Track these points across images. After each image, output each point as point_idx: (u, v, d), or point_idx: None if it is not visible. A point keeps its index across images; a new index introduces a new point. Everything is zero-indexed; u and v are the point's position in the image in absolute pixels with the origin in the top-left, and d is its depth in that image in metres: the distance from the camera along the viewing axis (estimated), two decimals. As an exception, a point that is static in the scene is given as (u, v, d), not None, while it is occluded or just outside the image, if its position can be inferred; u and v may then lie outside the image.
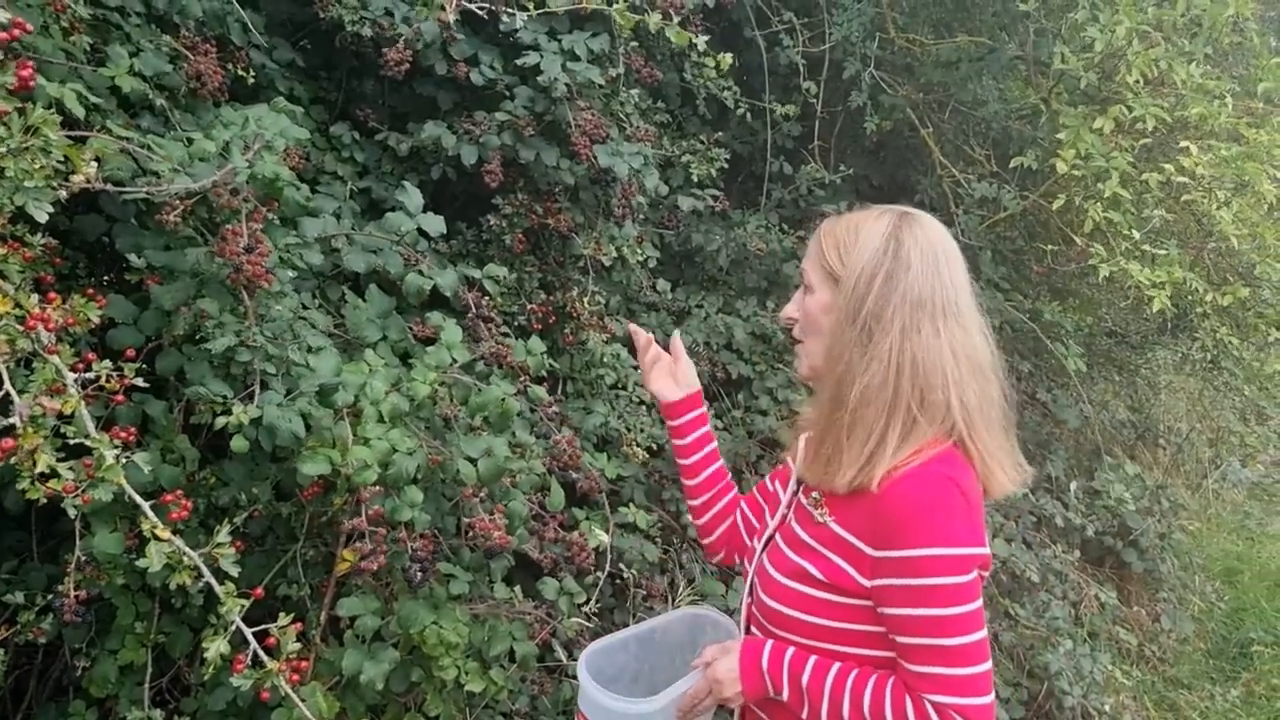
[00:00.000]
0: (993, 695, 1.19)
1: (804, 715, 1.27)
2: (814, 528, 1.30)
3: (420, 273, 2.08)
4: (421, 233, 2.16)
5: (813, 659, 1.27)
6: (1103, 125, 3.06)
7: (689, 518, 2.97)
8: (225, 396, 1.72)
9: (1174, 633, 3.96)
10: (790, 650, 1.28)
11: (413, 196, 2.13)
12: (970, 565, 1.17)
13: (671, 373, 1.62)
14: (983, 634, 1.19)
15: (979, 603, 1.19)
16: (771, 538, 1.40)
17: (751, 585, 1.40)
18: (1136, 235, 3.10)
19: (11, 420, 1.30)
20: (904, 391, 1.21)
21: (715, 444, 1.63)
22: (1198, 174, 3.08)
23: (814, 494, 1.32)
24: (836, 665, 1.25)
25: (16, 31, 1.44)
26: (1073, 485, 3.91)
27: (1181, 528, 4.43)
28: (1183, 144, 3.13)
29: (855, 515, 1.24)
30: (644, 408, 2.92)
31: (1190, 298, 3.30)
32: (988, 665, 1.18)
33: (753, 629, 1.41)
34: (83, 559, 1.62)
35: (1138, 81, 2.98)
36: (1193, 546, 4.75)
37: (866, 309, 1.23)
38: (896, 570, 1.18)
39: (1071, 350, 3.71)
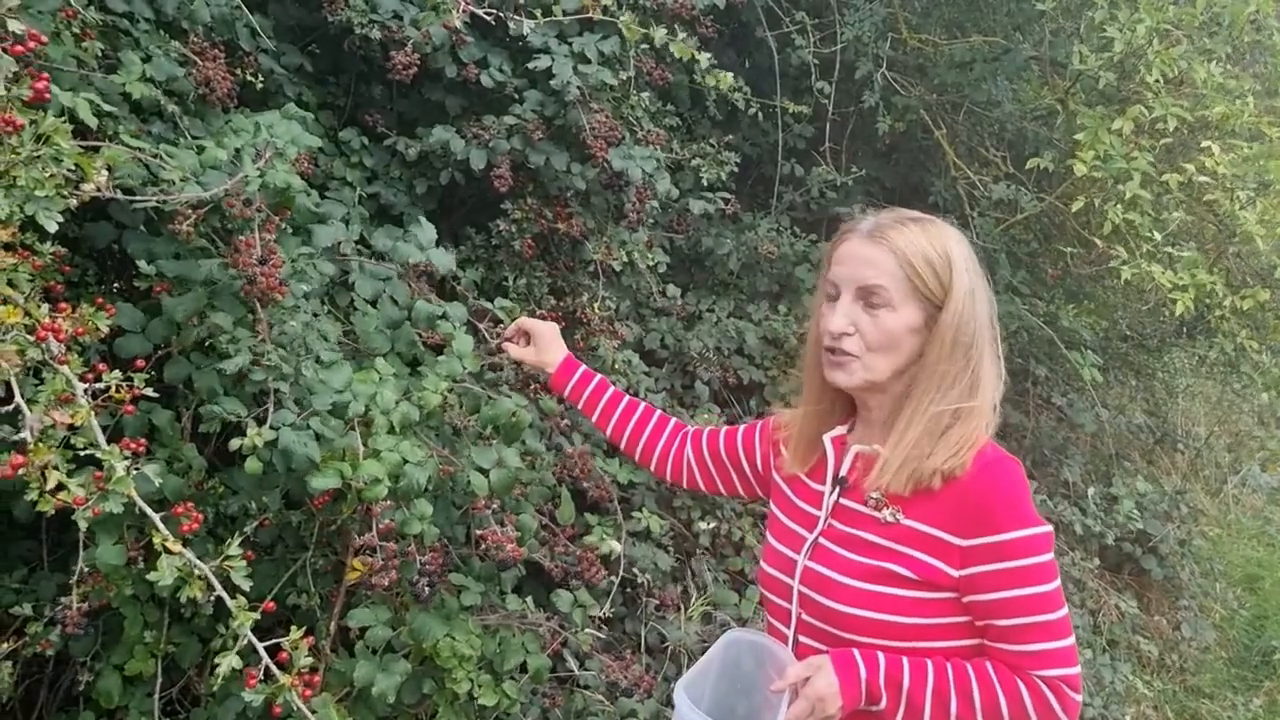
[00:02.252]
0: (1080, 664, 1.26)
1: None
2: (883, 528, 1.29)
3: (428, 300, 2.07)
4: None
5: (905, 660, 1.25)
6: (1122, 126, 3.02)
7: (701, 525, 2.96)
8: (239, 415, 1.70)
9: (1195, 641, 3.91)
10: (881, 655, 1.26)
11: (425, 231, 2.11)
12: (1050, 542, 1.23)
13: (536, 348, 1.80)
14: (1067, 608, 1.24)
15: (1060, 578, 1.25)
16: (814, 544, 1.36)
17: (800, 597, 1.36)
18: (1158, 237, 3.06)
19: (22, 434, 1.29)
20: (992, 400, 1.29)
21: (610, 389, 1.75)
22: (1219, 174, 3.03)
23: (873, 495, 1.30)
24: (930, 662, 1.25)
25: (32, 44, 1.42)
26: (1090, 491, 3.86)
27: (1201, 534, 4.38)
28: (1204, 144, 3.08)
29: (932, 509, 1.25)
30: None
31: (1209, 300, 3.26)
32: (1074, 636, 1.25)
33: (803, 640, 1.37)
34: (86, 570, 1.61)
35: (1158, 81, 2.94)
36: (1213, 553, 4.69)
37: (972, 330, 1.28)
38: (992, 555, 1.21)
39: (1087, 358, 3.67)
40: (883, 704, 1.25)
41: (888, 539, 1.28)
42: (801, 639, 1.37)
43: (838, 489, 1.38)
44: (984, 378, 1.29)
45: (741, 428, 1.64)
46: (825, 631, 1.33)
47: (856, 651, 1.27)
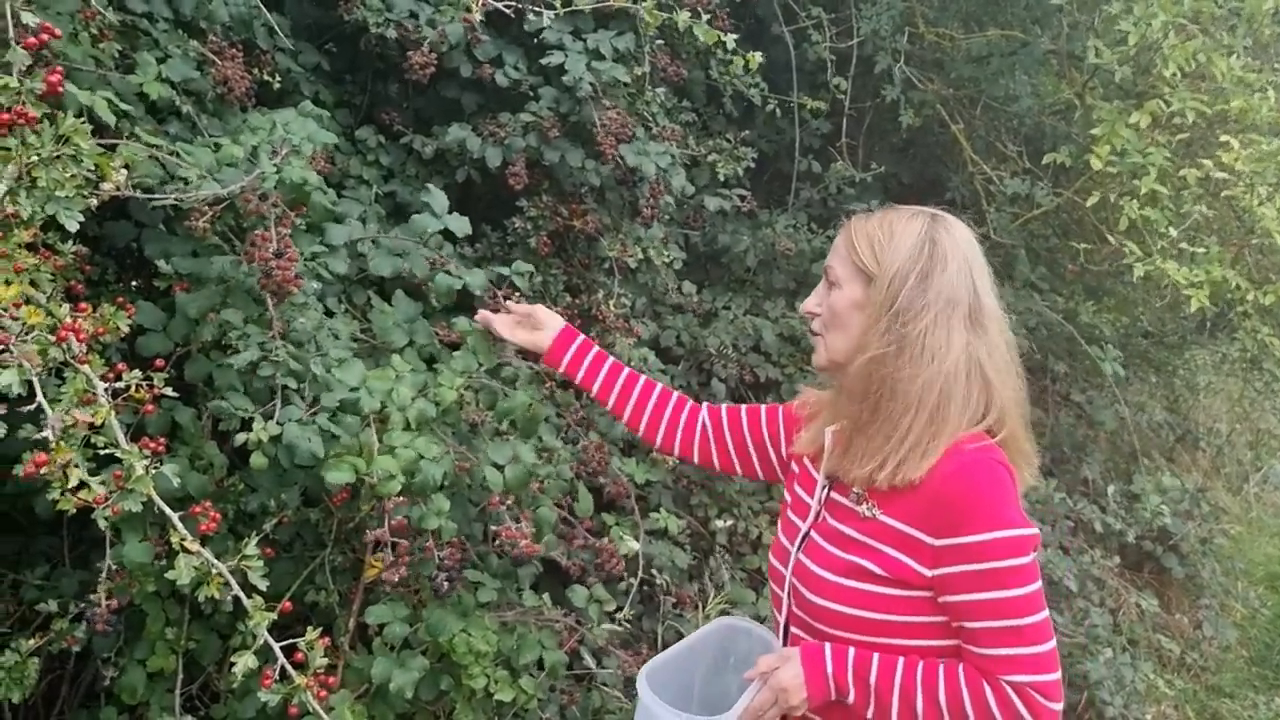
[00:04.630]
0: (1060, 671, 1.22)
1: (869, 715, 1.26)
2: (861, 523, 1.29)
3: (448, 273, 2.06)
4: (447, 236, 2.14)
5: (876, 656, 1.25)
6: (1139, 120, 2.99)
7: (718, 523, 2.95)
8: (247, 411, 1.71)
9: (1216, 640, 3.87)
10: (851, 650, 1.27)
11: (437, 198, 2.11)
12: (1030, 546, 1.20)
13: (526, 325, 1.71)
14: (1046, 612, 1.22)
15: (1040, 582, 1.22)
16: (806, 537, 1.38)
17: (790, 587, 1.38)
18: (1174, 233, 3.02)
19: (44, 434, 1.29)
20: (942, 389, 1.23)
21: (610, 360, 1.68)
22: (1238, 169, 3.00)
23: (855, 490, 1.31)
24: (901, 660, 1.25)
25: (45, 37, 1.43)
26: (1110, 489, 3.82)
27: (1223, 532, 4.33)
28: (1223, 138, 3.05)
29: (907, 506, 1.24)
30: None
31: (1231, 296, 3.22)
32: (1054, 642, 1.23)
33: (794, 630, 1.38)
34: (113, 567, 1.62)
35: (1175, 75, 2.91)
36: (1234, 551, 4.64)
37: (901, 307, 1.24)
38: (962, 556, 1.19)
39: (1109, 353, 3.63)
40: (851, 698, 1.25)
41: (864, 534, 1.28)
42: (792, 629, 1.39)
43: (829, 483, 1.38)
44: (941, 377, 1.22)
45: (764, 408, 1.62)
46: (809, 623, 1.34)
47: (828, 646, 1.28)
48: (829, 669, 1.26)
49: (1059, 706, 1.21)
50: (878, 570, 1.25)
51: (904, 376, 1.23)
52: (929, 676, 1.23)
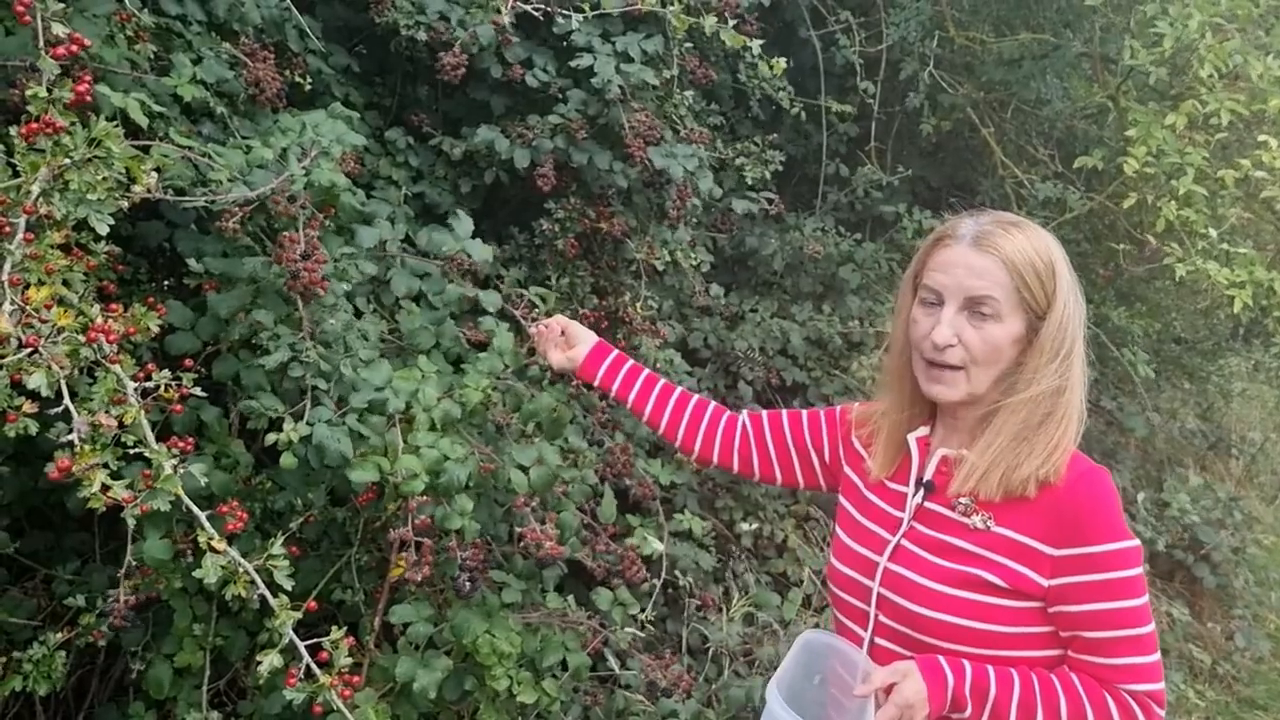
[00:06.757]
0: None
1: None
2: (972, 534, 1.27)
3: (456, 284, 2.08)
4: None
5: (991, 669, 1.23)
6: (1175, 122, 2.94)
7: (743, 526, 2.94)
8: (276, 410, 1.72)
9: (1249, 651, 3.80)
10: (967, 664, 1.24)
11: (464, 224, 2.11)
12: (1141, 556, 1.22)
13: (561, 345, 1.72)
14: (1154, 624, 1.24)
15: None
16: (896, 546, 1.34)
17: (878, 598, 1.34)
18: (1213, 234, 2.97)
19: (70, 438, 1.30)
20: (1080, 405, 1.27)
21: (645, 371, 1.68)
22: (1276, 169, 2.95)
23: (963, 501, 1.28)
24: (1015, 672, 1.23)
25: (75, 47, 1.44)
26: (1140, 496, 3.77)
27: (1256, 542, 4.25)
28: (1261, 138, 3.00)
29: (1025, 517, 1.23)
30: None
31: (1268, 301, 3.16)
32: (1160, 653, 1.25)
33: (881, 642, 1.34)
34: (133, 564, 1.64)
35: (1211, 76, 2.86)
36: (1268, 561, 4.56)
37: (1069, 338, 1.26)
38: (1084, 567, 1.20)
39: (1139, 356, 3.58)
40: (967, 712, 1.23)
41: (977, 545, 1.26)
42: (878, 641, 1.35)
43: (921, 491, 1.34)
44: (1075, 383, 1.27)
45: (807, 414, 1.58)
46: (905, 635, 1.30)
47: (942, 659, 1.25)
48: (950, 683, 1.22)
49: (1164, 715, 1.24)
50: (998, 581, 1.23)
51: (1064, 400, 1.25)
52: (1047, 689, 1.22)
